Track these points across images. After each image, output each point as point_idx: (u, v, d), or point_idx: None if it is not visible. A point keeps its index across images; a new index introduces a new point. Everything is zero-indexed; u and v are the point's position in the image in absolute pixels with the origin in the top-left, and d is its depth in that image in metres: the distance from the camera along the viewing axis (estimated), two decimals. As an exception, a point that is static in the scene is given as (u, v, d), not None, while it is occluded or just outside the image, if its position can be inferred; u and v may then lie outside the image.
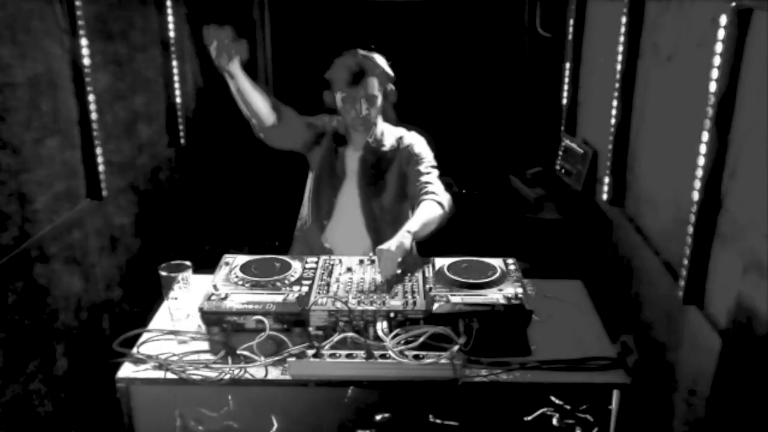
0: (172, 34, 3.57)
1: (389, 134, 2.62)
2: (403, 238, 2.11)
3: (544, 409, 1.74)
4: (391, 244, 2.07)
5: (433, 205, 2.35)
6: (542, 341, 1.88)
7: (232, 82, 2.33)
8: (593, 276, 3.24)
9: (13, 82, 2.20)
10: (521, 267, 2.07)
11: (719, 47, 1.93)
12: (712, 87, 1.96)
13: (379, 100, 2.51)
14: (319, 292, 1.93)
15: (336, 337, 1.79)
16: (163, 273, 1.96)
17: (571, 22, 3.74)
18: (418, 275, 2.03)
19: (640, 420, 2.43)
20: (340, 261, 2.14)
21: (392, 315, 1.84)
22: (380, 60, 2.51)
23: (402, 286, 1.98)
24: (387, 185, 2.57)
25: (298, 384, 1.74)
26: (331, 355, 1.74)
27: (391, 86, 2.56)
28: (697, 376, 2.08)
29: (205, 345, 1.86)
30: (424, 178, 2.48)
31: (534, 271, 2.31)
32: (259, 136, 2.59)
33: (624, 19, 2.83)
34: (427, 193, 2.41)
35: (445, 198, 2.44)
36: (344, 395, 1.74)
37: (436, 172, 2.53)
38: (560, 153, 3.80)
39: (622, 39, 2.85)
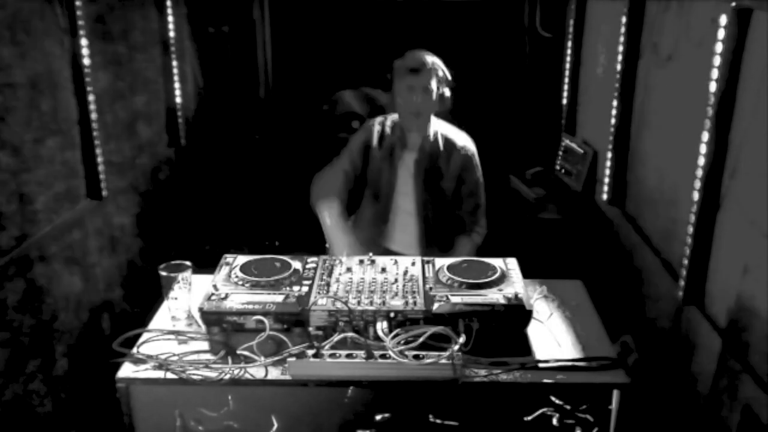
0: (172, 34, 3.57)
1: (443, 135, 2.68)
2: None
3: (544, 409, 1.74)
4: None
5: (473, 244, 2.67)
6: (542, 341, 1.88)
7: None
8: (593, 276, 3.24)
9: (13, 82, 2.20)
10: (521, 267, 2.07)
11: (719, 47, 1.93)
12: (712, 87, 1.96)
13: (434, 96, 2.57)
14: (319, 292, 1.93)
15: (336, 337, 1.79)
16: (163, 273, 1.96)
17: (571, 22, 3.74)
18: (419, 275, 2.04)
19: (640, 420, 2.43)
20: (340, 261, 2.14)
21: (392, 315, 1.83)
22: (440, 63, 2.60)
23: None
24: (442, 186, 2.67)
25: (298, 384, 1.74)
26: (331, 355, 1.74)
27: (447, 90, 2.62)
28: (697, 376, 2.08)
29: (205, 345, 1.86)
30: (473, 204, 2.69)
31: (534, 271, 2.32)
32: None
33: (624, 19, 2.83)
34: (472, 229, 2.69)
35: (483, 231, 2.72)
36: (344, 395, 1.74)
37: (482, 195, 2.72)
38: (560, 153, 3.80)
39: (622, 39, 2.85)
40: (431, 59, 2.57)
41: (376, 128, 2.72)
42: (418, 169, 2.66)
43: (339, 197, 2.56)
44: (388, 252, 2.68)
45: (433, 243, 2.66)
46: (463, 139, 2.70)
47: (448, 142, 2.66)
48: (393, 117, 2.71)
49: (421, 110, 2.57)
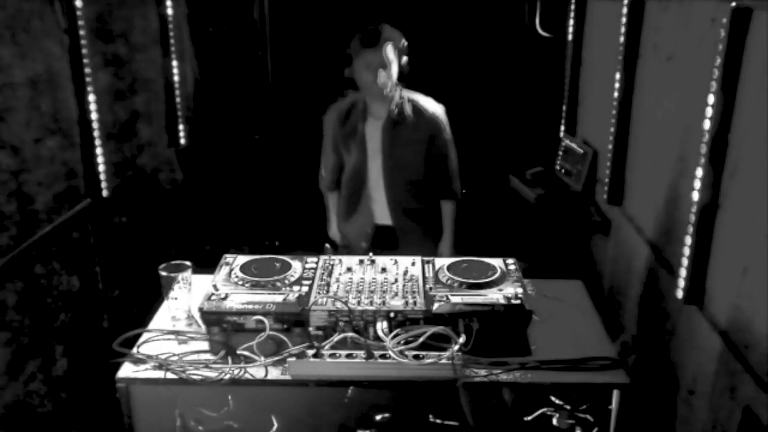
0: (172, 34, 3.57)
1: (410, 101, 2.73)
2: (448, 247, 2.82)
3: (544, 409, 1.75)
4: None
5: (453, 205, 2.86)
6: (542, 341, 1.88)
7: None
8: (593, 276, 3.25)
9: (13, 82, 2.20)
10: (521, 267, 2.07)
11: (719, 47, 1.93)
12: (712, 87, 1.95)
13: (395, 67, 2.61)
14: (319, 292, 1.93)
15: (336, 337, 1.79)
16: (163, 273, 1.96)
17: (571, 22, 3.73)
18: (419, 275, 2.04)
19: (640, 420, 2.43)
20: (340, 261, 2.15)
21: (392, 315, 1.83)
22: (395, 32, 2.64)
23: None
24: (410, 152, 2.74)
25: (298, 384, 1.74)
26: (331, 355, 1.74)
27: (405, 58, 2.66)
28: (697, 376, 2.08)
29: (205, 345, 1.86)
30: (444, 164, 2.80)
31: (534, 271, 2.32)
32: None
33: (624, 19, 2.83)
34: (448, 190, 2.83)
35: (459, 188, 2.87)
36: (344, 395, 1.74)
37: (454, 155, 2.83)
38: (560, 153, 3.80)
39: (622, 39, 2.85)
40: (385, 33, 2.61)
41: (340, 107, 2.82)
42: (384, 137, 2.72)
43: (337, 187, 2.93)
44: (371, 224, 2.83)
45: (407, 213, 2.78)
46: (432, 105, 2.76)
47: (416, 108, 2.72)
48: (355, 94, 2.79)
49: (382, 85, 2.61)
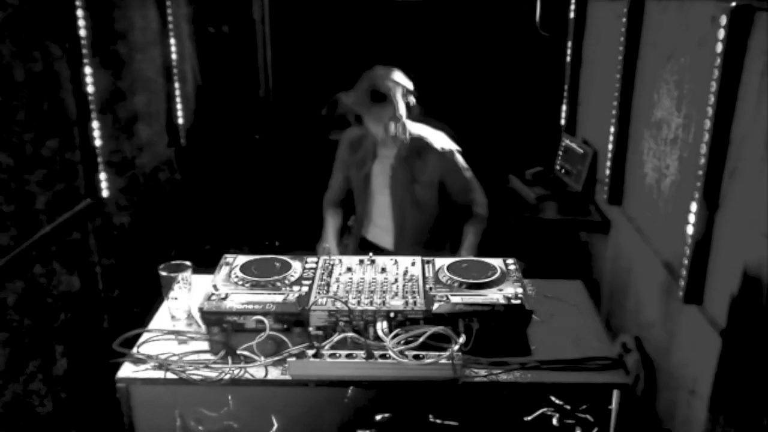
0: (172, 34, 3.57)
1: (418, 138, 2.67)
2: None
3: (544, 409, 1.75)
4: None
5: (480, 225, 2.74)
6: (542, 341, 1.88)
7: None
8: (593, 276, 3.25)
9: (13, 82, 2.20)
10: (521, 267, 2.07)
11: (719, 47, 1.93)
12: (713, 87, 1.95)
13: (404, 117, 2.57)
14: (319, 292, 1.93)
15: (336, 337, 1.79)
16: (163, 273, 1.96)
17: (571, 22, 3.74)
18: (419, 275, 2.04)
19: (640, 420, 2.43)
20: (340, 261, 2.14)
21: (392, 315, 1.83)
22: (400, 76, 2.56)
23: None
24: (416, 191, 2.69)
25: (298, 384, 1.74)
26: (331, 355, 1.74)
27: (412, 99, 2.60)
28: (697, 376, 2.08)
29: (205, 345, 1.86)
30: (469, 191, 2.74)
31: (534, 271, 2.32)
32: None
33: (624, 19, 2.83)
34: (475, 213, 2.75)
35: (485, 211, 2.78)
36: (344, 395, 1.74)
37: (476, 188, 2.77)
38: (560, 153, 3.80)
39: (622, 39, 2.85)
40: (391, 81, 2.53)
41: (352, 135, 2.78)
42: (394, 175, 2.70)
43: (339, 206, 2.91)
44: (378, 250, 2.75)
45: (418, 244, 2.70)
46: (440, 141, 2.70)
47: (423, 145, 2.67)
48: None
49: (393, 136, 2.58)
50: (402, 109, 2.54)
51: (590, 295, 2.20)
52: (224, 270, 2.04)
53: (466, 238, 2.71)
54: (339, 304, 1.85)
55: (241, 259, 2.09)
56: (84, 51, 2.58)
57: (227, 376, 1.74)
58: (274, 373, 1.75)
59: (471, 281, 1.95)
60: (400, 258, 2.15)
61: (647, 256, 2.57)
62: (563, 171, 3.72)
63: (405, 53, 3.73)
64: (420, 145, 2.67)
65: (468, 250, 2.66)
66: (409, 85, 2.58)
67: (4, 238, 2.14)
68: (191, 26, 3.89)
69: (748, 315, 1.79)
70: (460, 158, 2.73)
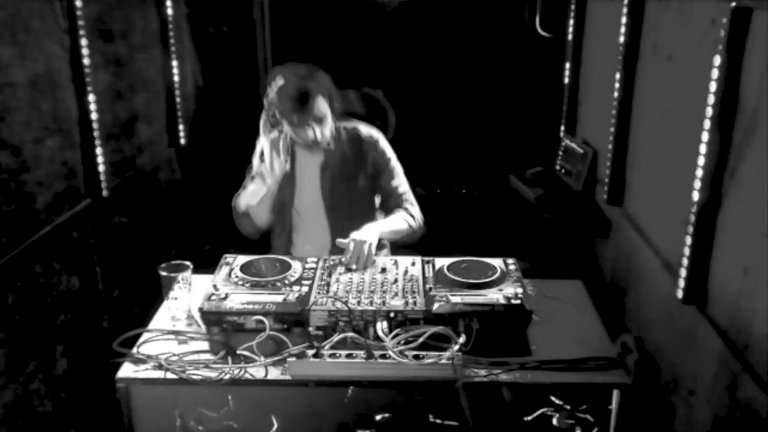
0: (172, 34, 3.57)
1: (346, 131, 2.48)
2: (374, 230, 2.25)
3: (544, 409, 1.75)
4: (363, 234, 2.19)
5: (406, 218, 2.44)
6: (542, 341, 1.88)
7: (270, 184, 2.35)
8: (593, 276, 3.25)
9: (13, 82, 2.20)
10: (521, 267, 2.07)
11: (719, 47, 1.93)
12: (712, 87, 1.95)
13: (329, 117, 2.35)
14: (319, 292, 1.93)
15: (336, 337, 1.79)
16: (163, 273, 1.96)
17: (571, 22, 3.73)
18: (419, 275, 2.03)
19: (640, 420, 2.43)
20: (340, 261, 2.14)
21: (392, 315, 1.84)
22: (321, 76, 2.34)
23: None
24: (357, 186, 2.49)
25: (298, 384, 1.74)
26: (331, 355, 1.74)
27: (334, 94, 2.37)
28: (697, 376, 2.08)
29: (205, 345, 1.86)
30: (400, 192, 2.50)
31: (534, 271, 2.32)
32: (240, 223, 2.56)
33: (624, 19, 2.83)
34: (405, 209, 2.47)
35: (419, 217, 2.49)
36: (344, 395, 1.74)
37: (406, 184, 2.52)
38: (560, 153, 3.80)
39: (622, 39, 2.85)
40: (311, 80, 2.28)
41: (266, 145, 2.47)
42: (324, 175, 2.48)
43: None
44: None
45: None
46: (366, 129, 2.51)
47: (353, 137, 2.48)
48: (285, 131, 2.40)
49: (319, 138, 2.33)
50: (324, 107, 2.31)
51: (590, 295, 2.20)
52: (224, 270, 2.04)
53: (388, 219, 2.42)
54: (339, 304, 1.85)
55: (241, 259, 2.10)
56: (84, 51, 2.58)
57: (227, 376, 1.74)
58: (274, 373, 1.75)
59: (471, 281, 1.95)
60: (399, 258, 2.16)
61: (647, 256, 2.57)
62: (563, 171, 3.72)
63: (405, 53, 3.75)
64: (348, 137, 2.47)
65: (375, 228, 2.28)
66: (330, 82, 2.36)
67: (4, 238, 2.14)
68: (191, 26, 3.89)
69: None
70: (385, 144, 2.50)
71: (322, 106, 2.30)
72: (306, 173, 2.50)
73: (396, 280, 2.01)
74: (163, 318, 2.02)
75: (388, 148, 2.54)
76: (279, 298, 1.88)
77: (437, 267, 2.07)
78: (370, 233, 2.22)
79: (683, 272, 2.11)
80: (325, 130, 2.34)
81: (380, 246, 2.35)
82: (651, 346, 2.47)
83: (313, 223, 2.53)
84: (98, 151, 2.69)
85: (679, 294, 2.14)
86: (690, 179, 2.08)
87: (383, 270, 2.08)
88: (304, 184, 2.51)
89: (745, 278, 1.83)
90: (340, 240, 2.21)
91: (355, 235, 2.18)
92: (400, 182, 2.53)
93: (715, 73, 1.95)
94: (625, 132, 2.90)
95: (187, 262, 1.99)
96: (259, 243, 3.93)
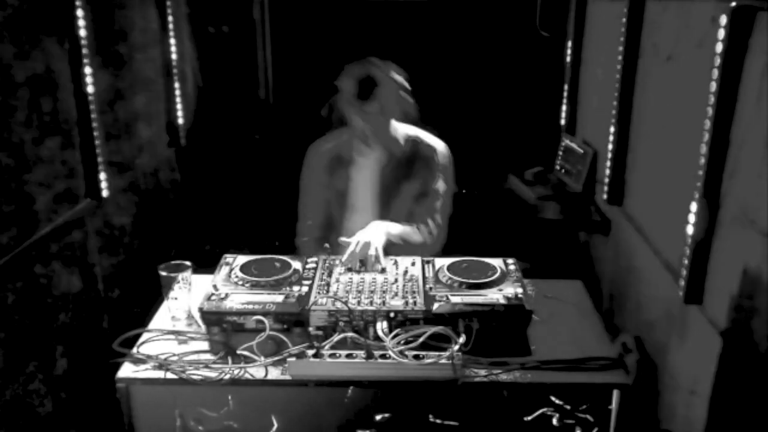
0: (172, 34, 3.57)
1: (413, 138, 2.49)
2: (381, 230, 2.23)
3: (544, 409, 1.75)
4: (368, 235, 2.17)
5: (422, 230, 2.44)
6: (542, 341, 1.89)
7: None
8: (593, 276, 3.24)
9: (13, 82, 2.20)
10: (521, 267, 2.07)
11: (719, 47, 1.93)
12: (712, 87, 1.95)
13: (392, 113, 2.37)
14: (319, 292, 1.93)
15: (336, 337, 1.79)
16: (163, 273, 1.96)
17: (571, 22, 3.73)
18: (419, 275, 2.03)
19: (640, 420, 2.43)
20: (340, 261, 2.14)
21: (392, 315, 1.84)
22: (393, 69, 2.36)
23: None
24: (402, 191, 2.49)
25: (298, 384, 1.74)
26: (331, 355, 1.74)
27: (405, 96, 2.40)
28: (697, 376, 2.08)
29: (205, 345, 1.86)
30: (433, 205, 2.48)
31: (534, 271, 2.32)
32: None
33: (624, 19, 2.83)
34: (425, 223, 2.46)
35: (435, 234, 2.48)
36: (344, 395, 1.74)
37: (443, 205, 2.49)
38: (560, 153, 3.80)
39: (622, 39, 2.85)
40: (381, 74, 2.30)
41: (321, 152, 2.55)
42: (382, 175, 2.49)
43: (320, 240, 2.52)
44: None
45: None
46: (435, 142, 2.52)
47: (414, 141, 2.50)
48: (342, 131, 2.48)
49: (379, 133, 2.35)
50: (390, 103, 2.32)
51: (590, 295, 2.20)
52: (224, 270, 2.04)
53: (402, 229, 2.40)
54: (339, 304, 1.85)
55: (241, 259, 2.10)
56: (84, 51, 2.58)
57: (227, 376, 1.74)
58: (274, 373, 1.75)
59: (471, 281, 1.95)
60: (399, 258, 2.15)
61: (647, 256, 2.57)
62: (563, 171, 3.72)
63: (405, 53, 3.72)
64: (413, 142, 2.48)
65: (383, 229, 2.27)
66: (404, 82, 2.38)
67: (4, 238, 2.14)
68: (191, 26, 3.89)
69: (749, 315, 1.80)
70: (446, 165, 2.51)
71: (385, 98, 2.30)
72: (364, 171, 2.51)
73: (396, 280, 2.01)
74: (163, 318, 2.02)
75: (447, 164, 2.52)
76: (279, 298, 1.88)
77: (437, 267, 2.07)
78: (376, 233, 2.19)
79: (683, 272, 2.11)
80: (382, 124, 2.35)
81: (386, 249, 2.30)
82: (651, 346, 2.47)
83: (364, 220, 2.48)
84: (98, 151, 2.69)
85: (679, 294, 2.14)
86: (690, 179, 2.08)
87: (383, 270, 2.08)
88: (360, 181, 2.51)
89: (745, 278, 1.83)
90: (342, 238, 2.20)
91: (361, 235, 2.16)
92: (438, 198, 2.49)
93: (715, 73, 1.95)
94: (625, 132, 2.90)
95: (187, 262, 2.00)
96: (259, 243, 3.93)
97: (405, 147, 2.49)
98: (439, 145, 2.54)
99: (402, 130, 2.51)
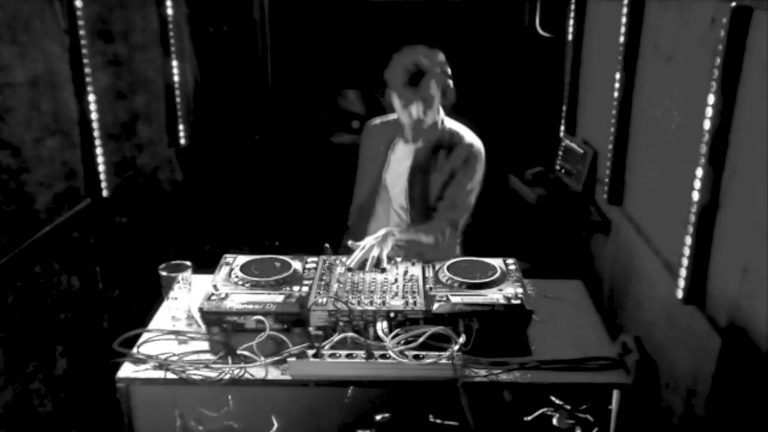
0: (172, 34, 3.57)
1: (450, 129, 2.53)
2: (391, 236, 2.24)
3: (544, 409, 1.75)
4: (377, 240, 2.19)
5: (435, 231, 2.42)
6: (542, 341, 1.89)
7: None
8: (593, 276, 3.24)
9: (13, 82, 2.20)
10: (521, 267, 2.07)
11: (719, 47, 1.93)
12: (713, 87, 1.95)
13: (437, 101, 2.40)
14: (319, 292, 1.93)
15: (336, 337, 1.79)
16: (163, 273, 1.96)
17: (571, 22, 3.74)
18: (419, 275, 2.03)
19: (640, 420, 2.43)
20: (340, 261, 2.14)
21: (392, 315, 1.84)
22: (440, 57, 2.39)
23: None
24: (430, 178, 2.51)
25: (298, 384, 1.74)
26: (331, 355, 1.74)
27: (450, 84, 2.44)
28: (697, 376, 2.08)
29: (205, 345, 1.86)
30: (454, 203, 2.49)
31: (534, 271, 2.32)
32: None
33: (624, 19, 2.83)
34: (442, 221, 2.46)
35: (448, 233, 2.46)
36: (344, 395, 1.74)
37: (466, 205, 2.52)
38: (560, 153, 3.80)
39: (622, 39, 2.85)
40: (426, 62, 2.33)
41: (375, 127, 2.65)
42: (416, 159, 2.53)
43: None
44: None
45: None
46: (473, 140, 2.56)
47: (452, 135, 2.52)
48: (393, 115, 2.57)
49: (424, 119, 2.39)
50: (434, 89, 2.35)
51: (590, 295, 2.20)
52: (224, 270, 2.04)
53: (417, 229, 2.43)
54: (339, 304, 1.85)
55: (241, 259, 2.10)
56: (84, 51, 2.58)
57: (227, 376, 1.74)
58: (274, 373, 1.75)
59: (471, 281, 1.95)
60: (399, 258, 2.16)
61: (647, 256, 2.57)
62: (563, 171, 3.72)
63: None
64: (449, 133, 2.51)
65: (393, 235, 2.26)
66: (446, 67, 2.40)
67: (4, 238, 2.14)
68: (191, 26, 3.89)
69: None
70: (480, 163, 2.53)
71: (432, 88, 2.34)
72: (399, 153, 2.55)
73: (396, 280, 2.01)
74: (163, 318, 2.02)
75: (478, 164, 2.52)
76: (279, 298, 1.88)
77: (437, 267, 2.07)
78: (385, 239, 2.20)
79: (683, 272, 2.11)
80: (428, 112, 2.37)
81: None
82: (651, 346, 2.47)
83: (394, 207, 2.58)
84: (98, 151, 2.69)
85: (679, 294, 2.14)
86: (690, 179, 2.08)
87: (383, 270, 2.08)
88: (395, 162, 2.55)
89: (745, 278, 1.83)
90: (352, 242, 2.21)
91: (370, 239, 2.19)
92: (461, 197, 2.50)
93: (715, 73, 1.95)
94: (625, 132, 2.90)
95: (187, 262, 1.99)
96: (259, 243, 3.94)
97: (444, 137, 2.52)
98: (476, 143, 2.57)
99: (444, 120, 2.55)
